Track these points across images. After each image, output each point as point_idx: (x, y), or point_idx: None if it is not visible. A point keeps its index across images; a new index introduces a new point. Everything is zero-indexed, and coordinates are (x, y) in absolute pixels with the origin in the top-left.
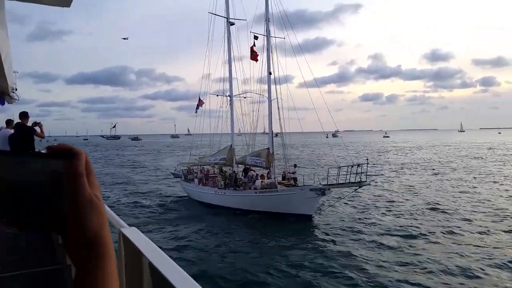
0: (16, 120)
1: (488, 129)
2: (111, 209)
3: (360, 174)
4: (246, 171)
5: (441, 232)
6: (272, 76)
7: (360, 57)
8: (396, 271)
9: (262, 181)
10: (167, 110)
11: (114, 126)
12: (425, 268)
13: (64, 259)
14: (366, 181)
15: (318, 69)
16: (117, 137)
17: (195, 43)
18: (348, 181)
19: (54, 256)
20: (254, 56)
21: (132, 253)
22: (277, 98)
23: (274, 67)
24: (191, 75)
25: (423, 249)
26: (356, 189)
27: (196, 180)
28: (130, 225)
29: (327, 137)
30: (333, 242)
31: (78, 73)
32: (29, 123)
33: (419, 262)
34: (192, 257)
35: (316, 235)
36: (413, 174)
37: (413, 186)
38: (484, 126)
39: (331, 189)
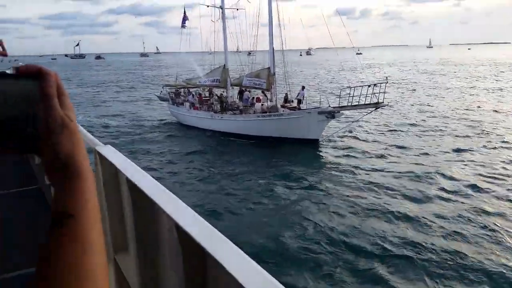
0: None
1: (458, 45)
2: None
3: (375, 95)
4: (241, 93)
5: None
6: None
7: None
8: (407, 208)
9: (262, 104)
10: (133, 26)
11: (78, 45)
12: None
13: (43, 178)
14: (383, 102)
15: None
16: (82, 56)
17: None
18: (361, 102)
19: (33, 176)
20: None
21: (109, 170)
22: (278, 13)
23: None
24: None
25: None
26: (371, 111)
27: (187, 104)
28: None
29: (300, 55)
30: (341, 170)
31: None
32: None
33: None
34: (188, 184)
35: (323, 162)
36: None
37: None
38: (454, 42)
39: (341, 111)
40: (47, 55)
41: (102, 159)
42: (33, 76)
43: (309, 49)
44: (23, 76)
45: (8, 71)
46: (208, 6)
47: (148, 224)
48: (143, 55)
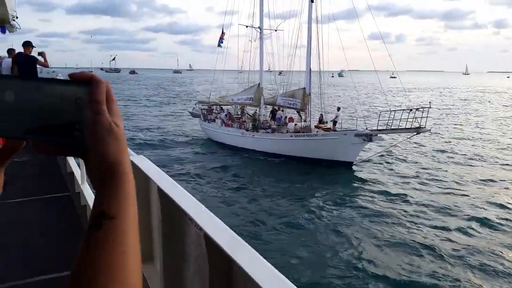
0: (19, 49)
1: (496, 73)
2: None
3: (417, 119)
4: (273, 112)
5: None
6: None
7: None
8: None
9: (295, 124)
10: (169, 44)
11: (114, 59)
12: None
13: (73, 186)
14: (425, 127)
15: (325, 5)
16: (117, 70)
17: None
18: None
19: (64, 183)
20: None
21: (141, 179)
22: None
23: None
24: (194, 7)
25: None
26: (412, 136)
27: (218, 121)
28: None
29: (332, 76)
30: (374, 196)
31: (78, 2)
32: (34, 53)
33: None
34: (216, 200)
35: (358, 186)
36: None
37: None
38: (492, 70)
39: (380, 134)
40: (83, 67)
41: (135, 168)
42: (85, 83)
43: (341, 70)
44: (75, 82)
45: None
46: (247, 27)
47: (176, 233)
48: (176, 71)
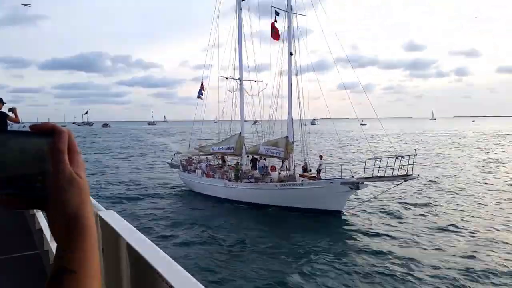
0: None
1: (462, 117)
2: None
3: (402, 167)
4: (253, 161)
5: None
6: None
7: (338, 45)
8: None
9: (279, 173)
10: (144, 97)
11: (86, 113)
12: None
13: (42, 244)
14: (411, 174)
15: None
16: (89, 124)
17: (173, 28)
18: (386, 174)
19: (32, 241)
20: (275, 33)
21: (109, 235)
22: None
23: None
24: (168, 61)
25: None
26: (399, 184)
27: (199, 171)
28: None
29: (305, 124)
30: (366, 245)
31: (52, 59)
32: (5, 109)
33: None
34: (203, 259)
35: (347, 235)
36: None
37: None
38: (458, 115)
39: (366, 183)
40: (56, 122)
41: (104, 223)
42: (46, 134)
43: (314, 119)
44: (36, 133)
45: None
46: (227, 78)
47: None
48: (151, 123)
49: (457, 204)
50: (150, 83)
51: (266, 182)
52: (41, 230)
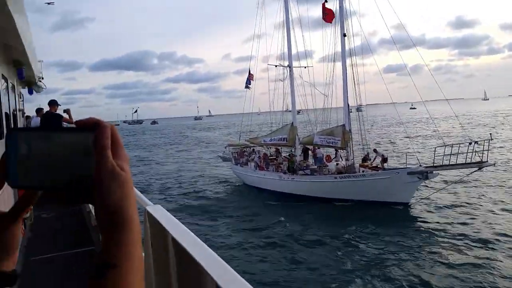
0: (46, 109)
1: None
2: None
3: (477, 153)
4: (306, 152)
5: None
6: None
7: (383, 27)
8: None
9: (337, 164)
10: (189, 93)
11: (136, 111)
12: None
13: (98, 240)
14: (487, 162)
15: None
16: (139, 122)
17: (214, 22)
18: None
19: (89, 237)
20: (327, 15)
21: (157, 229)
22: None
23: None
24: (211, 56)
25: None
26: (473, 172)
27: (252, 164)
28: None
29: (351, 111)
30: (438, 240)
31: (101, 60)
32: (59, 111)
33: None
34: (257, 252)
35: (415, 230)
36: None
37: None
38: None
39: (436, 171)
40: (109, 121)
41: (151, 218)
42: (90, 129)
43: (359, 105)
44: (81, 129)
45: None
46: (276, 66)
47: (193, 284)
48: (197, 118)
49: None
50: (194, 78)
51: (324, 174)
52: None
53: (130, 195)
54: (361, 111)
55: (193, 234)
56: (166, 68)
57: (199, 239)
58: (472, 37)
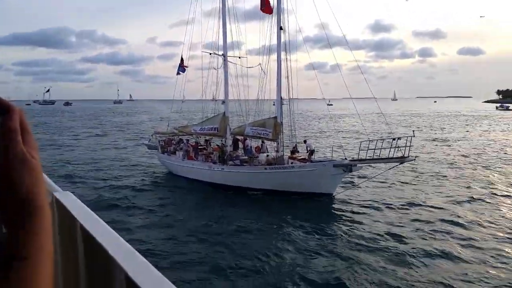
0: None
1: (424, 98)
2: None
3: (399, 148)
4: (235, 143)
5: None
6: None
7: (308, 25)
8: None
9: (267, 155)
10: (109, 74)
11: (48, 91)
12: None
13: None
14: (408, 156)
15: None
16: (52, 102)
17: (138, 4)
18: (380, 156)
19: None
20: (266, 7)
21: (65, 217)
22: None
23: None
24: (134, 37)
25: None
26: (395, 166)
27: (180, 153)
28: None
29: (273, 104)
30: (357, 228)
31: (11, 34)
32: None
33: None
34: (185, 242)
35: (337, 219)
36: None
37: None
38: (421, 95)
39: (359, 165)
40: (19, 100)
41: (59, 205)
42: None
43: (282, 99)
44: None
45: None
46: (210, 54)
47: (101, 275)
48: (117, 102)
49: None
50: (115, 60)
51: (255, 165)
52: None
53: (41, 183)
54: (283, 104)
55: (104, 222)
56: (84, 47)
57: (110, 228)
58: (388, 41)
